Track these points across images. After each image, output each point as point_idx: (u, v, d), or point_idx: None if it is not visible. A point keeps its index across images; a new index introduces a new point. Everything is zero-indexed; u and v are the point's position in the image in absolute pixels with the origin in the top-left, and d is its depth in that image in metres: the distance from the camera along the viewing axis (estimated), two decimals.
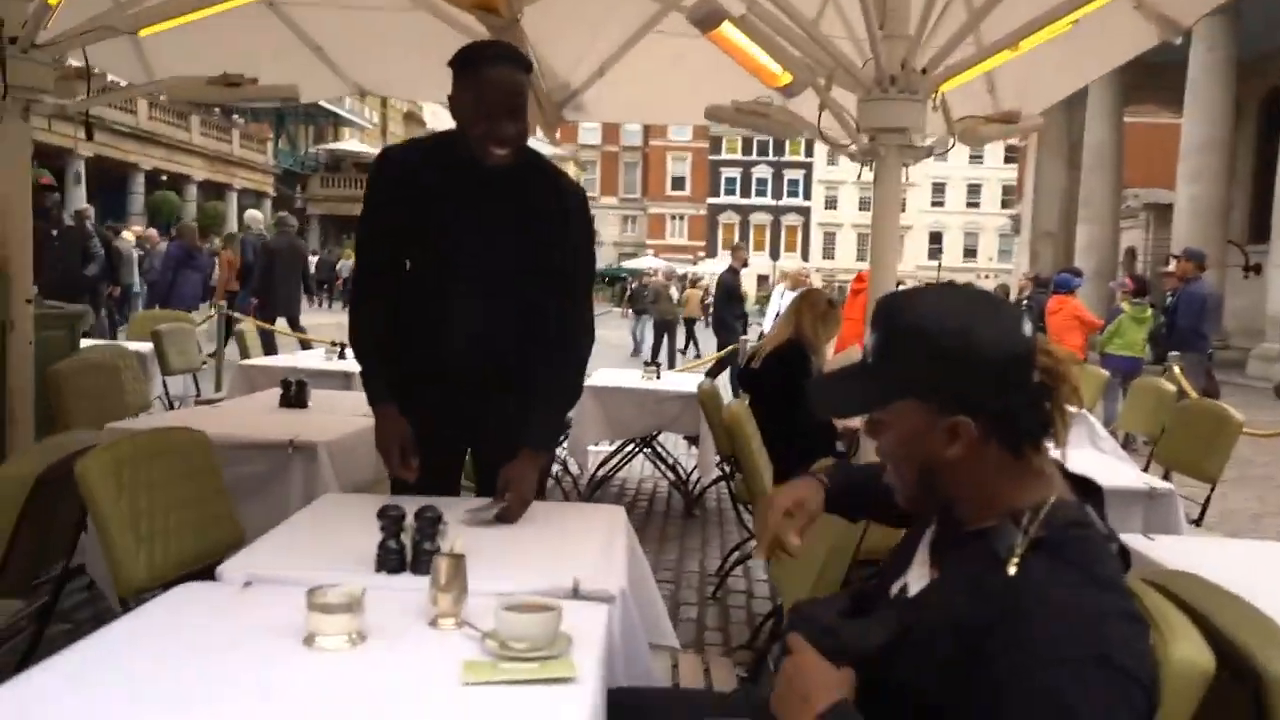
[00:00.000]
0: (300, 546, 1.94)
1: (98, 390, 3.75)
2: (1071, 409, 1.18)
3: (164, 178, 27.77)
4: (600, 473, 5.96)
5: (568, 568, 1.80)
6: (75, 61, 3.96)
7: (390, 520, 1.78)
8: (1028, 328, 1.16)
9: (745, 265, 11.78)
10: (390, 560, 1.78)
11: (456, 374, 2.36)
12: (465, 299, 2.32)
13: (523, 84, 2.21)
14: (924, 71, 3.23)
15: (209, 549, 2.16)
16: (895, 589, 1.26)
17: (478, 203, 2.28)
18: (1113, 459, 4.78)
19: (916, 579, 1.24)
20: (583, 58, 5.20)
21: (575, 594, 1.72)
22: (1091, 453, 4.85)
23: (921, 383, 1.15)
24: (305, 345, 9.33)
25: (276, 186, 35.83)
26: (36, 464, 2.03)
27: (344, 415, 3.66)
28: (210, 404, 5.13)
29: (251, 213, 13.31)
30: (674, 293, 16.67)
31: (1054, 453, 1.20)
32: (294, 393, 3.91)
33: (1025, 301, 10.78)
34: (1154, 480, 3.13)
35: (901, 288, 1.30)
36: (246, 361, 5.72)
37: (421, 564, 1.75)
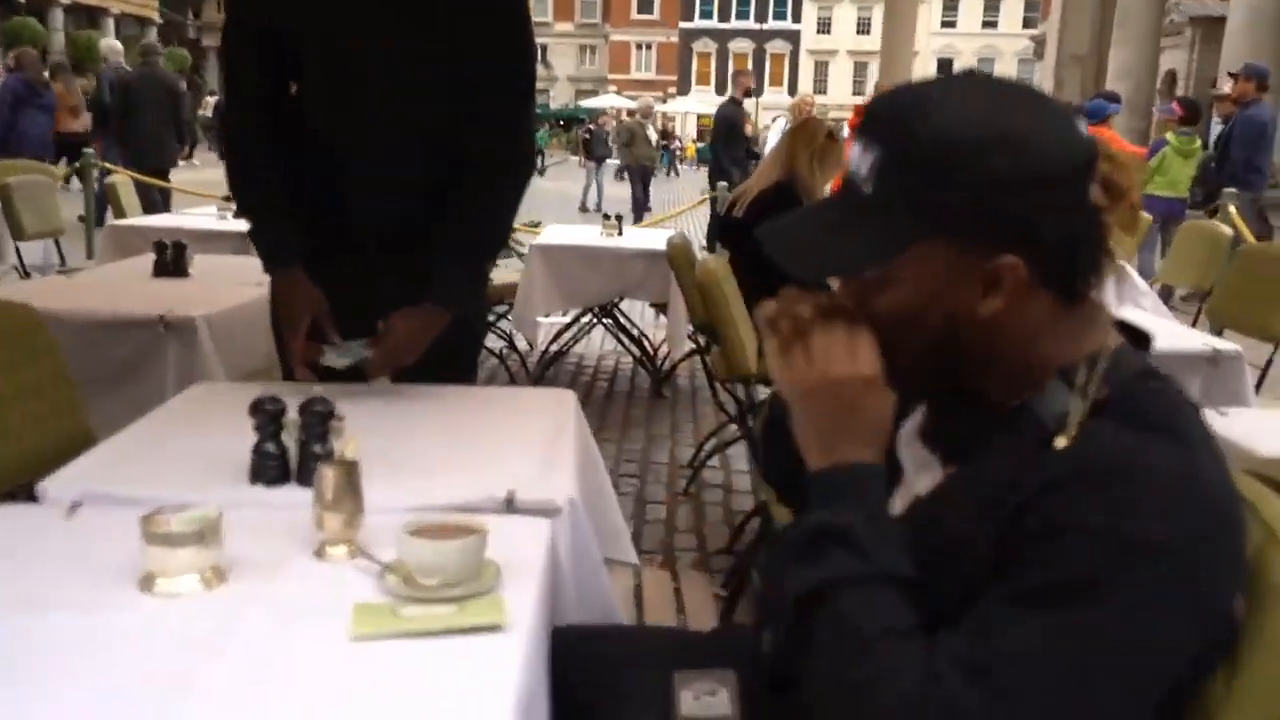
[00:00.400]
0: (154, 454, 1.72)
1: None
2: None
3: (22, 0, 26.35)
4: (553, 349, 5.76)
5: (501, 473, 1.61)
6: None
7: (266, 416, 1.56)
8: (1083, 126, 0.97)
9: (749, 95, 11.08)
10: (268, 469, 1.57)
11: (358, 225, 2.14)
12: (364, 127, 2.07)
13: None
14: None
15: (45, 456, 1.94)
16: (899, 506, 1.07)
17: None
18: (1156, 317, 4.68)
19: (926, 484, 1.05)
20: None
21: (509, 507, 1.54)
22: (1131, 311, 4.73)
23: (955, 214, 0.94)
24: (154, 201, 8.82)
25: (163, 12, 34.23)
26: None
27: (233, 284, 3.42)
28: (69, 274, 4.84)
29: (108, 42, 12.48)
30: (651, 133, 15.78)
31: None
32: (170, 258, 3.65)
33: None
34: (1216, 341, 2.97)
35: (901, 84, 1.06)
36: (119, 222, 5.39)
37: (308, 473, 1.54)
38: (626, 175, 15.36)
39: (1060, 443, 0.92)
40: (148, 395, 2.84)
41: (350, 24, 2.03)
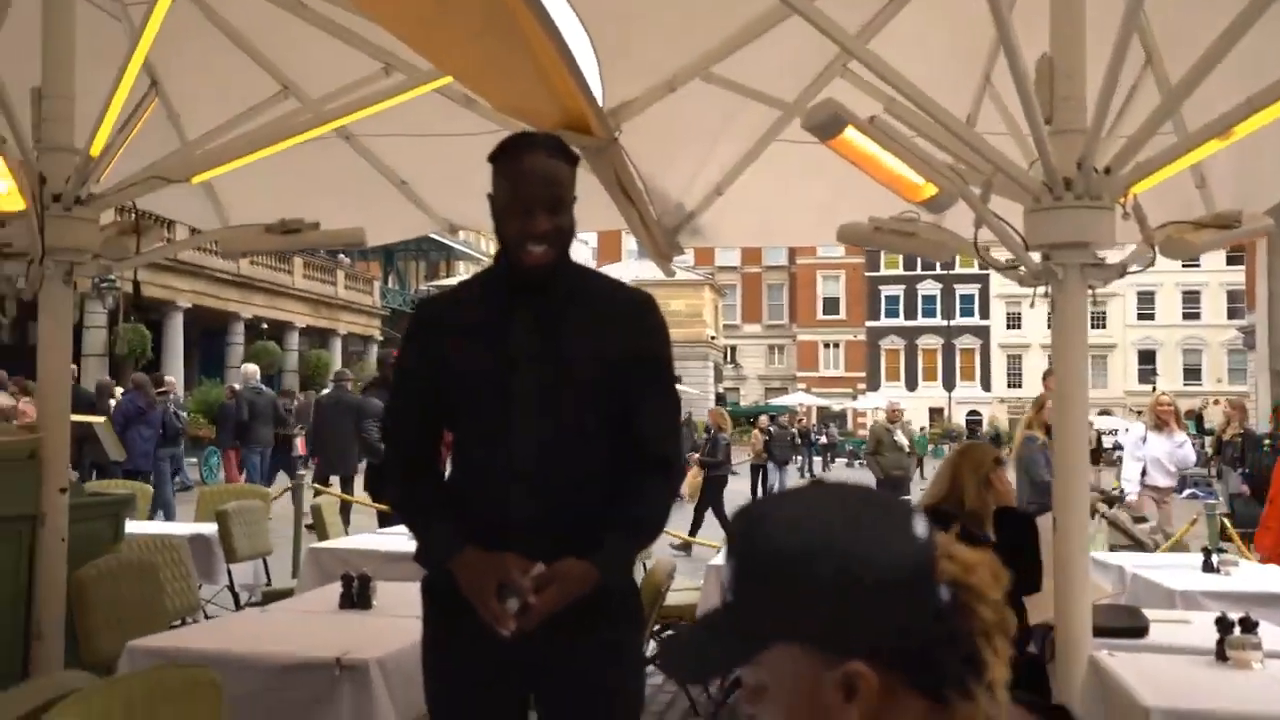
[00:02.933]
0: None
1: (129, 598, 3.70)
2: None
3: (265, 325, 29.44)
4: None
5: None
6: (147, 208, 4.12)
7: None
8: (920, 527, 0.99)
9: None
10: None
11: (511, 538, 2.16)
12: (516, 442, 2.19)
13: (562, 174, 2.22)
14: (1108, 171, 2.95)
15: None
16: None
17: (515, 327, 2.22)
18: None
19: None
20: (696, 175, 5.14)
21: None
22: None
23: (795, 617, 0.98)
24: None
25: (383, 329, 37.52)
26: None
27: (414, 617, 3.48)
28: (271, 599, 5.07)
29: (248, 366, 15.45)
30: (901, 439, 13.41)
31: None
32: (356, 590, 3.77)
33: (1236, 443, 9.36)
34: None
35: (761, 498, 1.16)
36: (320, 545, 5.67)
37: None
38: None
39: None
40: None
41: (499, 361, 2.20)
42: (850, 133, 2.84)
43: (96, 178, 3.70)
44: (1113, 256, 3.19)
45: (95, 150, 3.61)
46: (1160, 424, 8.22)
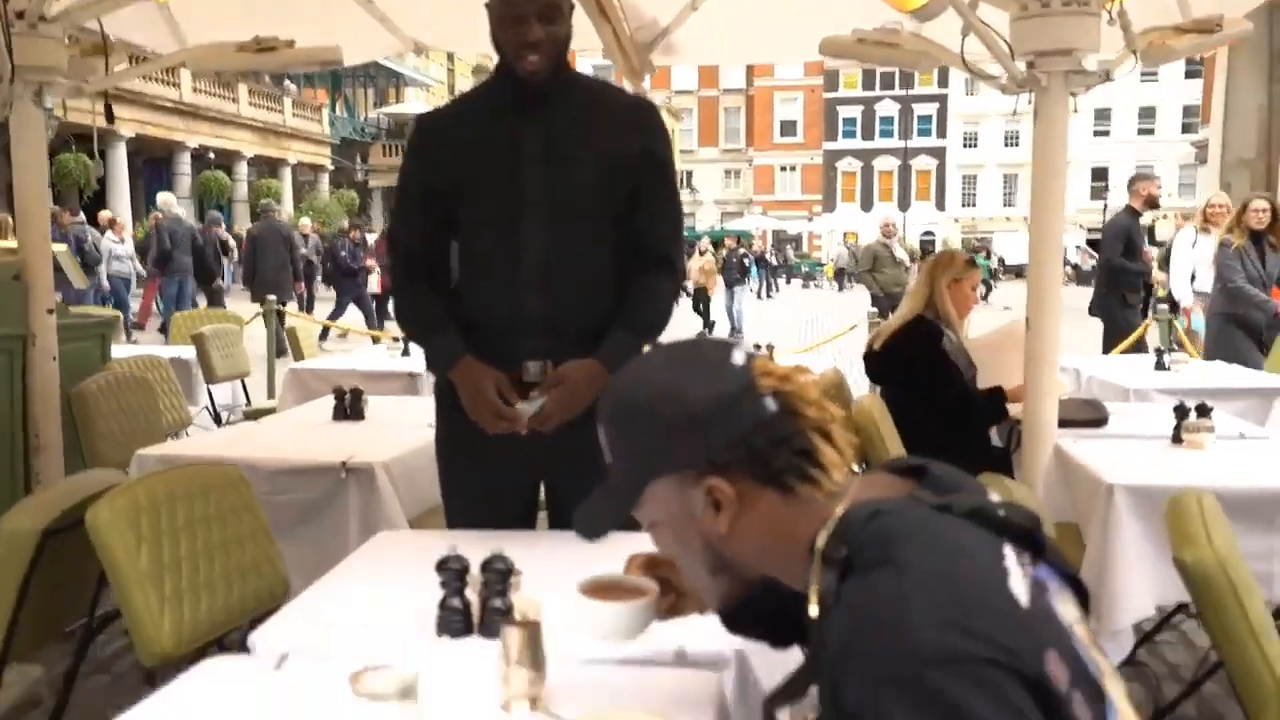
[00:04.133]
0: (347, 609, 1.85)
1: (129, 410, 3.79)
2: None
3: (211, 155, 28.69)
4: None
5: (670, 624, 1.66)
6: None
7: (451, 575, 1.68)
8: (738, 356, 1.18)
9: (1153, 205, 8.42)
10: (453, 623, 1.68)
11: (522, 339, 2.27)
12: (526, 245, 2.26)
13: None
14: None
15: (248, 603, 2.12)
16: None
17: (520, 134, 2.26)
18: None
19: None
20: None
21: (679, 660, 1.59)
22: None
23: (654, 456, 1.17)
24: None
25: (334, 158, 36.70)
26: (46, 513, 2.00)
27: (406, 428, 3.62)
28: (255, 417, 5.18)
29: (164, 195, 15.34)
30: (900, 253, 12.95)
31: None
32: (348, 403, 3.89)
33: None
34: None
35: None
36: (298, 365, 5.76)
37: (491, 625, 1.66)
38: (876, 306, 12.26)
39: (812, 612, 1.05)
40: (330, 536, 3.05)
41: (497, 163, 2.25)
42: None
43: None
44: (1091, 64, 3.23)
45: None
46: (1210, 227, 7.64)
